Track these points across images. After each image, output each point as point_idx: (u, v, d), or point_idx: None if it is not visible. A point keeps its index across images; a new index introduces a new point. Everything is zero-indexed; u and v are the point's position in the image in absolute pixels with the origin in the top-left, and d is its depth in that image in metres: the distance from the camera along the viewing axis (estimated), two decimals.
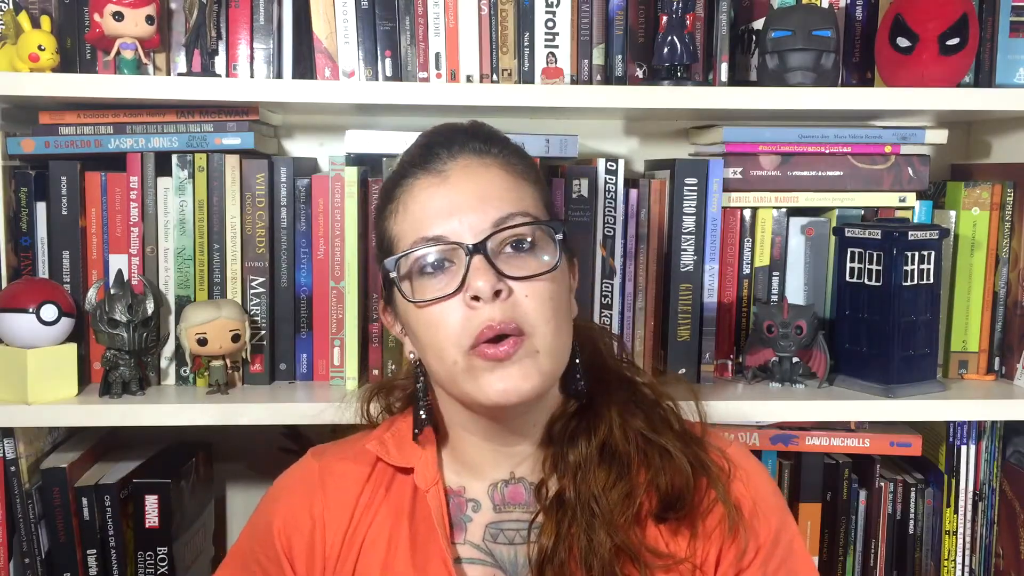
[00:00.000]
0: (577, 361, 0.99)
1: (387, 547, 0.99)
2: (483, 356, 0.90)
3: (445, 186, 0.94)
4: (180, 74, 1.41)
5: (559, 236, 0.95)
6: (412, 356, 1.01)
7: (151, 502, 1.38)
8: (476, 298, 0.89)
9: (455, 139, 0.97)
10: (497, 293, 0.90)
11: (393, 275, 0.94)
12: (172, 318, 1.39)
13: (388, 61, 1.42)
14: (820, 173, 1.48)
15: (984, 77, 1.51)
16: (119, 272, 1.36)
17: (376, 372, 1.42)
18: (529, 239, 0.93)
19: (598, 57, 1.44)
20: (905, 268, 1.39)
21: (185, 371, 1.41)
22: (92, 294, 1.34)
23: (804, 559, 1.04)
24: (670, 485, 0.97)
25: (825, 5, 1.48)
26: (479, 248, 0.90)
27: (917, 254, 1.40)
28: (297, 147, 1.63)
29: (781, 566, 1.00)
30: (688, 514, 0.98)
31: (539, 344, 0.91)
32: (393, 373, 1.40)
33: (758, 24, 1.48)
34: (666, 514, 0.97)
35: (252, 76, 1.42)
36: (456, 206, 0.92)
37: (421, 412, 1.02)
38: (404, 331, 1.00)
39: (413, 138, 1.37)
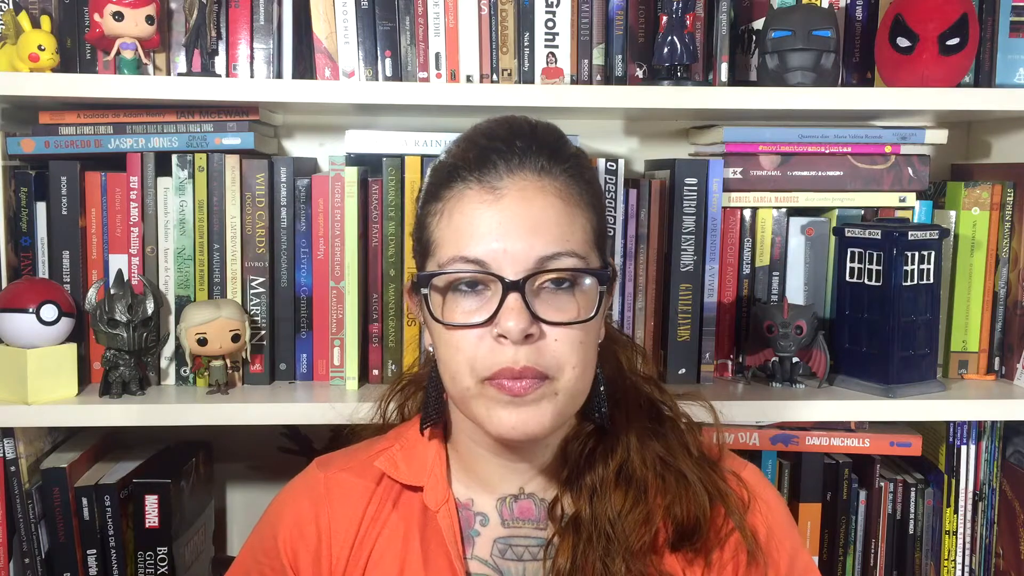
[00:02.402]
0: (601, 388, 0.96)
1: (398, 562, 0.97)
2: (500, 388, 0.87)
3: (497, 206, 0.87)
4: (180, 74, 1.41)
5: (602, 288, 0.90)
6: (431, 349, 0.96)
7: (151, 502, 1.38)
8: (504, 336, 0.86)
9: (514, 148, 0.90)
10: (528, 336, 0.86)
11: (425, 292, 0.91)
12: (172, 318, 1.39)
13: (388, 61, 1.42)
14: (820, 173, 1.48)
15: (984, 77, 1.51)
16: (119, 272, 1.36)
17: (376, 372, 1.42)
18: (570, 278, 0.89)
19: (598, 57, 1.44)
20: (905, 268, 1.39)
21: (185, 371, 1.41)
22: (92, 294, 1.34)
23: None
24: (686, 514, 0.95)
25: (825, 5, 1.48)
26: (517, 286, 0.86)
27: (917, 254, 1.40)
28: (297, 147, 1.63)
29: None
30: (704, 544, 0.96)
31: (561, 387, 0.88)
32: (393, 373, 1.40)
33: (758, 24, 1.48)
34: (681, 544, 0.95)
35: (252, 76, 1.42)
36: (504, 232, 0.87)
37: (433, 403, 0.99)
38: (424, 320, 0.96)
39: (413, 138, 1.41)
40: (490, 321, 0.87)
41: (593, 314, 0.90)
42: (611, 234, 1.42)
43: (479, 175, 0.89)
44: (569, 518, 0.95)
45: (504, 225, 0.87)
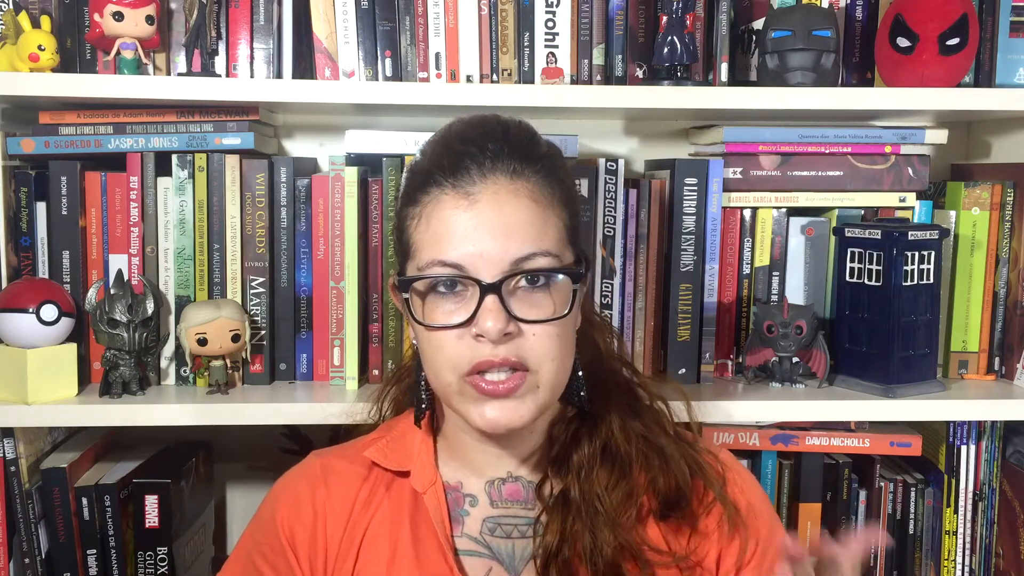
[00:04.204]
0: (580, 374, 1.00)
1: (389, 544, 1.00)
2: (479, 389, 0.91)
3: (471, 211, 0.91)
4: (180, 74, 1.41)
5: (575, 287, 0.94)
6: (416, 343, 1.00)
7: (151, 502, 1.38)
8: (482, 336, 0.90)
9: (487, 152, 0.93)
10: (506, 335, 0.90)
11: (407, 296, 0.94)
12: (172, 318, 1.39)
13: (388, 61, 1.42)
14: (820, 173, 1.48)
15: (984, 77, 1.51)
16: (119, 272, 1.36)
17: (376, 372, 1.42)
18: (544, 276, 0.93)
19: (598, 57, 1.44)
20: (905, 268, 1.39)
21: (185, 371, 1.41)
22: (92, 294, 1.34)
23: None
24: (669, 486, 1.00)
25: (825, 5, 1.48)
26: (494, 288, 0.89)
27: (917, 254, 1.40)
28: (297, 147, 1.63)
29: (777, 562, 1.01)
30: (688, 514, 1.01)
31: (541, 380, 0.92)
32: (397, 366, 1.40)
33: (758, 24, 1.48)
34: (669, 512, 1.00)
35: (252, 76, 1.42)
36: (479, 236, 0.90)
37: (423, 395, 1.02)
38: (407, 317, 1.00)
39: (413, 138, 1.40)
40: (469, 322, 0.91)
41: (567, 311, 0.93)
42: (611, 234, 1.42)
43: (453, 181, 0.92)
44: (557, 495, 0.99)
45: (479, 229, 0.91)
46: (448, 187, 0.92)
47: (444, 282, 0.92)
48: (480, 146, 0.93)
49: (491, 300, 0.89)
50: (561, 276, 0.93)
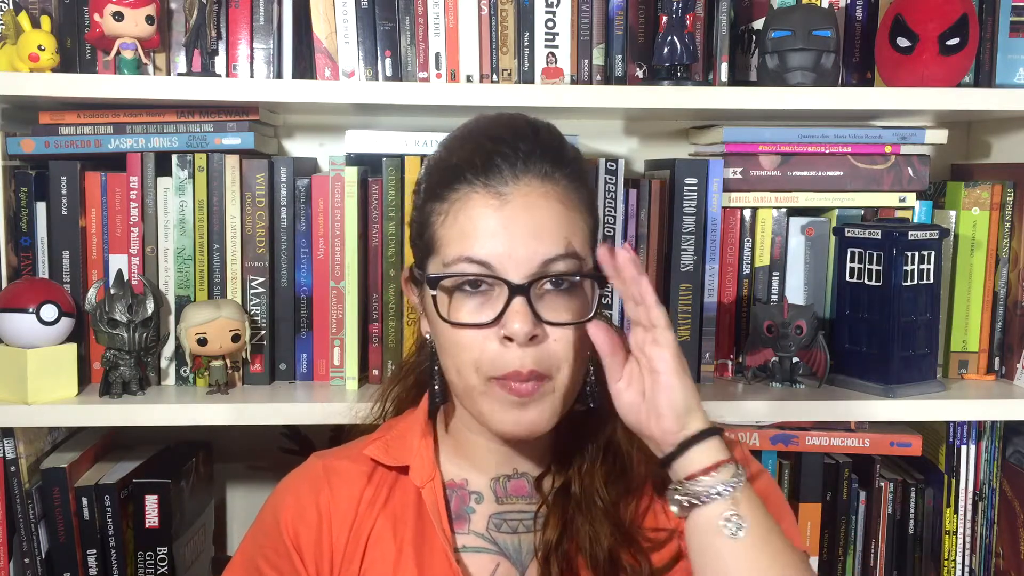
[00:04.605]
0: (591, 377, 1.00)
1: (395, 542, 1.00)
2: (507, 389, 0.91)
3: (502, 211, 0.90)
4: (180, 74, 1.41)
5: (599, 291, 0.94)
6: (428, 336, 1.00)
7: (151, 502, 1.38)
8: (509, 338, 0.90)
9: (518, 152, 0.92)
10: (532, 338, 0.90)
11: (434, 294, 0.93)
12: (172, 318, 1.39)
13: (388, 61, 1.42)
14: (820, 173, 1.48)
15: (984, 77, 1.51)
16: (119, 272, 1.36)
17: (376, 372, 1.42)
18: (571, 279, 0.93)
19: (598, 57, 1.44)
20: (905, 268, 1.39)
21: (185, 371, 1.41)
22: (92, 294, 1.34)
23: (780, 497, 1.06)
24: None
25: (825, 5, 1.48)
26: (523, 290, 0.89)
27: (917, 254, 1.40)
28: (297, 147, 1.63)
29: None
30: None
31: (557, 385, 0.93)
32: (398, 365, 1.40)
33: (758, 24, 1.48)
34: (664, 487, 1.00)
35: (252, 76, 1.42)
36: (509, 235, 0.90)
37: (436, 391, 1.02)
38: (424, 312, 1.00)
39: (413, 138, 1.41)
40: (496, 322, 0.90)
41: (591, 314, 0.93)
42: (611, 234, 1.42)
43: (484, 179, 0.92)
44: (558, 490, 0.99)
45: (509, 229, 0.90)
46: (479, 185, 0.92)
47: (471, 281, 0.92)
48: (512, 146, 0.93)
49: (519, 302, 0.89)
50: (588, 279, 0.93)
